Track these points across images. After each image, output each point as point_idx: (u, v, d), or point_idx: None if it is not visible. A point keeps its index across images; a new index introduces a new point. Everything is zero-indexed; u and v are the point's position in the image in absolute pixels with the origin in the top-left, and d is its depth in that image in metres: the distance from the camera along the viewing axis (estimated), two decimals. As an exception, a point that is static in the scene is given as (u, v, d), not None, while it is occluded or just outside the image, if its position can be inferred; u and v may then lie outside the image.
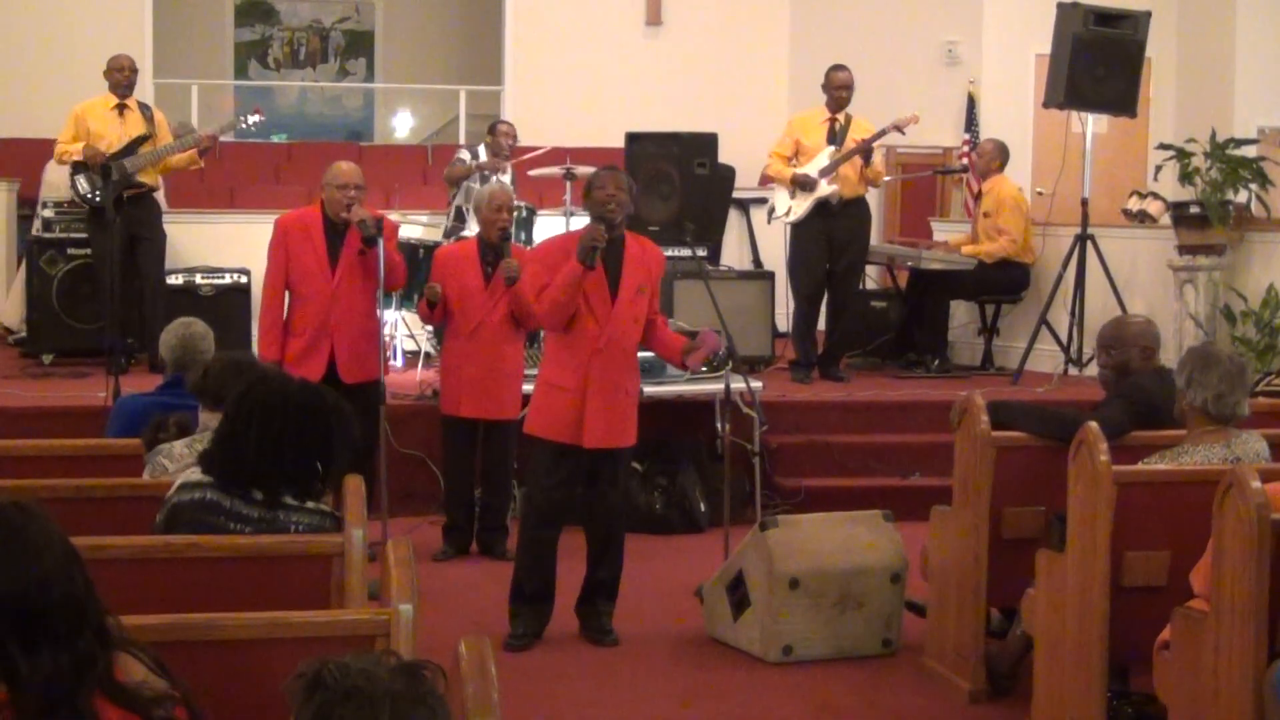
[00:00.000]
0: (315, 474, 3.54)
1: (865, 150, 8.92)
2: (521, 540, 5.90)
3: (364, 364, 6.62)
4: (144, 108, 9.21)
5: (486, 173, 9.39)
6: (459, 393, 6.88)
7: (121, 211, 8.66)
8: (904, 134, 9.13)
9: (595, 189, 5.63)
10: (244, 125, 9.09)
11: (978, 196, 9.94)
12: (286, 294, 6.68)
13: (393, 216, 9.01)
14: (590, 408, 5.63)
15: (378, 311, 6.76)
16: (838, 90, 9.16)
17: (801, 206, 9.07)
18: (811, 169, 9.03)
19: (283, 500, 3.49)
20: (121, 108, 9.05)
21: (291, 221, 6.71)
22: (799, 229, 9.15)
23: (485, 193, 7.20)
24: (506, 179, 9.49)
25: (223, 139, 9.92)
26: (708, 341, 5.79)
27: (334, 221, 6.58)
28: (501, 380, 6.85)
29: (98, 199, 8.75)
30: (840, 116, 9.17)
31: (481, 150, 9.64)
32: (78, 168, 8.85)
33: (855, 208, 9.18)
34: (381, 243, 6.51)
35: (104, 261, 8.50)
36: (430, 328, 8.27)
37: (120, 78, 9.09)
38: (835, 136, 9.10)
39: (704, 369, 7.20)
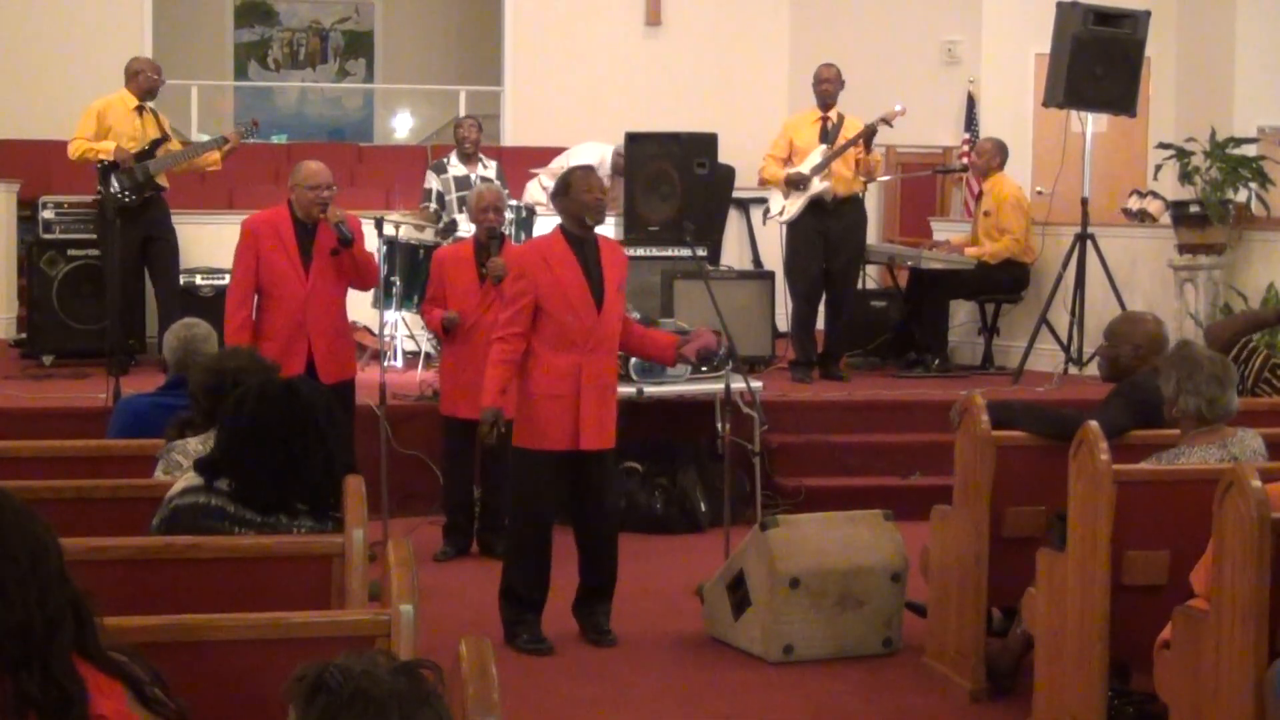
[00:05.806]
0: (328, 486, 3.54)
1: (869, 135, 8.94)
2: (514, 549, 5.82)
3: (340, 363, 6.62)
4: (154, 111, 9.19)
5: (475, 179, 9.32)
6: (457, 394, 6.88)
7: (138, 214, 8.69)
8: (891, 126, 9.12)
9: (581, 191, 5.58)
10: (246, 131, 9.32)
11: (978, 196, 9.93)
12: (255, 297, 6.59)
13: (393, 217, 9.03)
14: (585, 411, 5.61)
15: (347, 309, 6.77)
16: (820, 85, 9.21)
17: (795, 206, 9.08)
18: (804, 167, 9.04)
19: (299, 511, 3.49)
20: (140, 109, 9.02)
21: (260, 223, 6.58)
22: (793, 228, 9.16)
23: (473, 194, 7.23)
24: (490, 172, 9.44)
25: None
26: (703, 334, 5.76)
27: (304, 222, 6.51)
28: None
29: (130, 199, 8.75)
30: (832, 115, 9.18)
31: (453, 156, 9.60)
32: (109, 167, 8.80)
33: (849, 206, 9.20)
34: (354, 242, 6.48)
35: (112, 263, 8.52)
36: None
37: (153, 81, 9.05)
38: (827, 135, 9.11)
39: (703, 368, 7.19)
